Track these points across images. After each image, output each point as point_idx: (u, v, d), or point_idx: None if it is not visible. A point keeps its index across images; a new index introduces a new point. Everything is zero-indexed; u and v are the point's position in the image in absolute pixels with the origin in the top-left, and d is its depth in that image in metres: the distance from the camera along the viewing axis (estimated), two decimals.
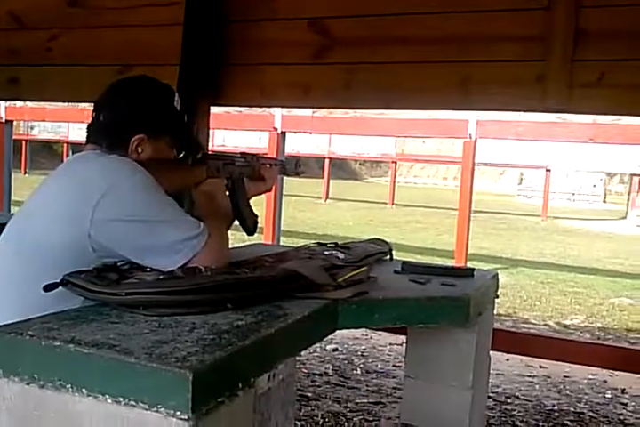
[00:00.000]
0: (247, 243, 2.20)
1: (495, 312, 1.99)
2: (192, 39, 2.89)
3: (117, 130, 1.42)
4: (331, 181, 21.25)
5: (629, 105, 2.42)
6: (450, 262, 6.57)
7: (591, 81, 2.42)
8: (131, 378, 0.90)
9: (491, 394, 3.08)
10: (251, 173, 1.70)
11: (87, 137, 1.46)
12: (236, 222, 1.67)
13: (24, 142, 22.18)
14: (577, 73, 2.44)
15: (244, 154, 1.69)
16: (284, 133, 6.75)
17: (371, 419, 2.79)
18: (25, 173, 21.22)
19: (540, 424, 2.84)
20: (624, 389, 3.39)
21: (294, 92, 2.91)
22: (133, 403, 0.90)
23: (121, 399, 0.91)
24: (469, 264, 6.38)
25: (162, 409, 0.89)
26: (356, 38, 2.76)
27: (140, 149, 1.43)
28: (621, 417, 3.00)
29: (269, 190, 1.81)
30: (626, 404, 3.19)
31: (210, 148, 3.28)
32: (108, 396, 0.92)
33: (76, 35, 3.25)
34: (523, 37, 2.51)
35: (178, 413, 0.88)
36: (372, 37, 2.73)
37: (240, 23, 2.94)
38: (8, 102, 6.94)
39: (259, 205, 1.95)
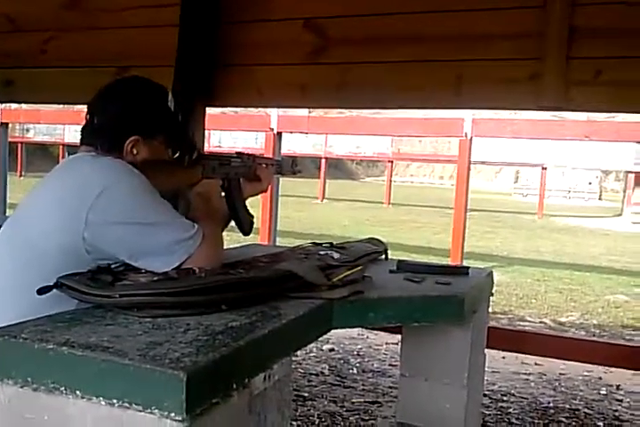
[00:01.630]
0: (243, 243, 2.20)
1: (491, 310, 1.99)
2: (188, 40, 2.89)
3: (112, 132, 1.42)
4: (327, 181, 21.28)
5: (627, 102, 2.42)
6: (446, 261, 6.58)
7: (587, 79, 2.41)
8: (124, 380, 0.90)
9: (486, 392, 3.09)
10: (247, 173, 1.69)
11: (81, 139, 1.46)
12: (232, 223, 1.66)
13: (19, 145, 22.20)
14: (573, 71, 2.43)
15: (239, 154, 1.68)
16: (280, 134, 6.75)
17: (367, 418, 2.80)
18: (20, 175, 21.21)
19: (536, 422, 2.85)
20: (619, 385, 3.40)
21: (290, 93, 2.90)
22: (127, 405, 0.90)
23: (115, 401, 0.91)
24: (465, 262, 6.38)
25: (156, 411, 0.88)
26: (351, 38, 2.76)
27: (135, 151, 1.43)
28: (616, 413, 3.01)
29: (265, 190, 1.80)
30: (621, 400, 3.20)
31: (206, 148, 3.27)
32: (101, 398, 0.91)
33: (72, 37, 3.24)
34: (517, 35, 2.51)
35: (172, 414, 0.88)
36: (367, 37, 2.73)
37: (235, 24, 2.93)
38: (3, 105, 6.92)
39: (255, 205, 1.95)
